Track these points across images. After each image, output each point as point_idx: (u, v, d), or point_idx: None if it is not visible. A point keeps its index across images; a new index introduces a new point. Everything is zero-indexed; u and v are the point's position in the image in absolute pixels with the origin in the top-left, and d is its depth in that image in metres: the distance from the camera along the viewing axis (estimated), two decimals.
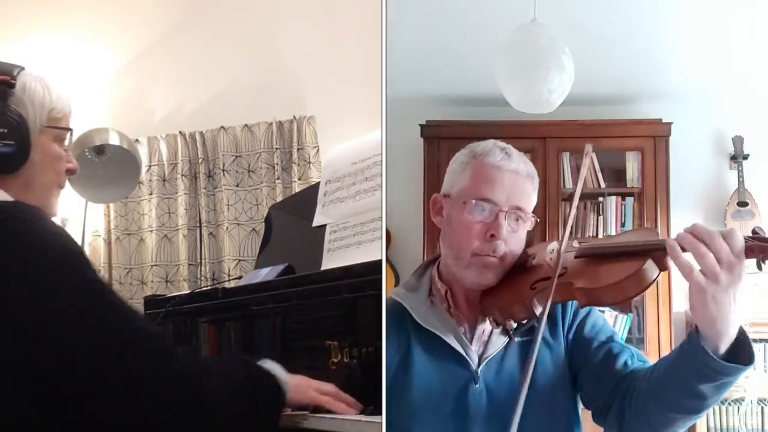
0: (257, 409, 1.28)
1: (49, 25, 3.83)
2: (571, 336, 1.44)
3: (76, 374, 1.12)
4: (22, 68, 1.32)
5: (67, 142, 1.37)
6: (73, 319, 1.12)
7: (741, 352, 1.18)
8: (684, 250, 1.18)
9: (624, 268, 1.26)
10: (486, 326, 1.42)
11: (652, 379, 1.28)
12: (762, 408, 4.04)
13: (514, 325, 1.39)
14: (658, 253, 1.24)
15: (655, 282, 1.28)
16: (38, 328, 1.11)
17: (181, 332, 1.99)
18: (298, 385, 1.38)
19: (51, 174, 1.34)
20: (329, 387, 1.43)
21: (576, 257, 1.38)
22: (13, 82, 1.28)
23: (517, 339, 1.41)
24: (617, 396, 1.34)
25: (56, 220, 1.30)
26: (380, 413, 1.30)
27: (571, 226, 1.47)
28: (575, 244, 1.43)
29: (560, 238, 1.39)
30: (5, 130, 1.25)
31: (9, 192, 1.27)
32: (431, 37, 3.66)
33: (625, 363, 1.37)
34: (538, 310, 1.34)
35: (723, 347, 1.17)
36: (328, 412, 1.39)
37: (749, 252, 1.18)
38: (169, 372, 1.17)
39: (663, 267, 1.25)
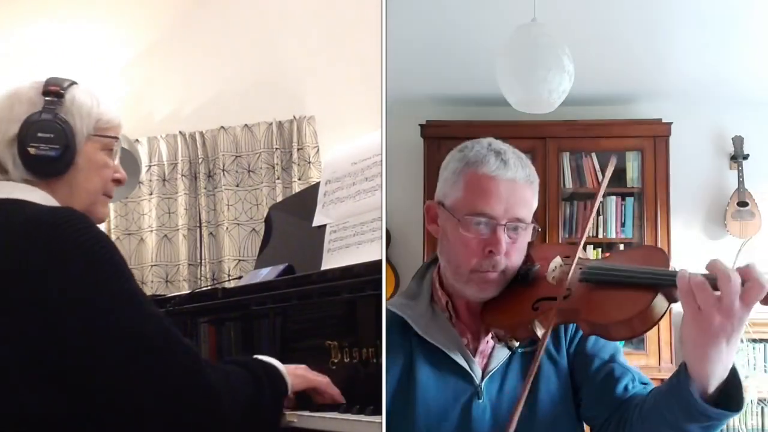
0: (265, 400, 1.32)
1: (49, 25, 3.83)
2: (572, 350, 1.39)
3: (111, 377, 1.15)
4: (74, 82, 1.39)
5: (116, 154, 1.43)
6: (113, 329, 1.15)
7: (732, 395, 1.12)
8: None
9: (632, 303, 1.19)
10: (489, 338, 1.37)
11: (643, 411, 1.23)
12: (762, 408, 4.04)
13: (517, 343, 1.35)
14: (669, 287, 1.16)
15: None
16: (77, 333, 1.14)
17: (181, 332, 1.99)
18: (296, 372, 1.42)
19: (96, 181, 1.38)
20: (324, 377, 1.47)
21: (581, 280, 1.29)
22: (63, 92, 1.35)
23: (519, 350, 1.36)
24: (613, 422, 1.30)
25: None
26: (380, 413, 1.30)
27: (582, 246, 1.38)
28: (580, 254, 1.33)
29: (572, 260, 1.29)
30: (51, 135, 1.31)
31: (55, 196, 1.32)
32: (431, 37, 3.66)
33: (626, 387, 1.32)
34: (539, 332, 1.28)
35: (711, 388, 1.12)
36: (321, 403, 1.43)
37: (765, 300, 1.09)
38: (198, 383, 1.19)
39: (673, 300, 1.17)
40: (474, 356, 1.36)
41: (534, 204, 1.37)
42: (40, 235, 1.16)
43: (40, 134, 1.31)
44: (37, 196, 1.29)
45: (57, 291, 1.14)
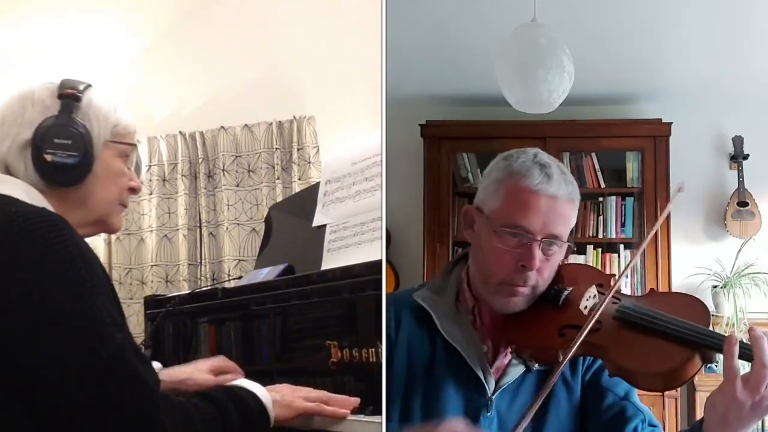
0: None
1: (49, 24, 3.83)
2: (588, 377, 1.36)
3: (58, 401, 1.07)
4: (89, 85, 1.31)
5: (131, 162, 1.36)
6: (62, 350, 1.07)
7: None
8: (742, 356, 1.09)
9: (668, 357, 1.14)
10: (508, 352, 1.34)
11: None
12: None
13: (536, 366, 1.32)
14: (710, 348, 1.12)
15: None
16: (29, 346, 1.06)
17: (181, 332, 1.99)
18: (282, 400, 1.33)
19: (112, 189, 1.31)
20: (317, 393, 1.38)
21: (614, 318, 1.25)
22: (79, 96, 1.28)
23: (535, 367, 1.33)
24: None
25: None
26: (380, 413, 1.30)
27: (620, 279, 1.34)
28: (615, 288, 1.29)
29: (607, 292, 1.25)
30: (69, 141, 1.24)
31: (65, 204, 1.25)
32: (431, 37, 3.66)
33: (635, 429, 1.29)
34: (563, 365, 1.23)
35: None
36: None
37: None
38: (147, 426, 1.10)
39: (709, 360, 1.14)
40: (491, 366, 1.34)
41: (572, 222, 1.33)
42: (5, 239, 1.09)
43: (57, 140, 1.23)
44: (22, 191, 1.21)
45: (15, 300, 1.06)
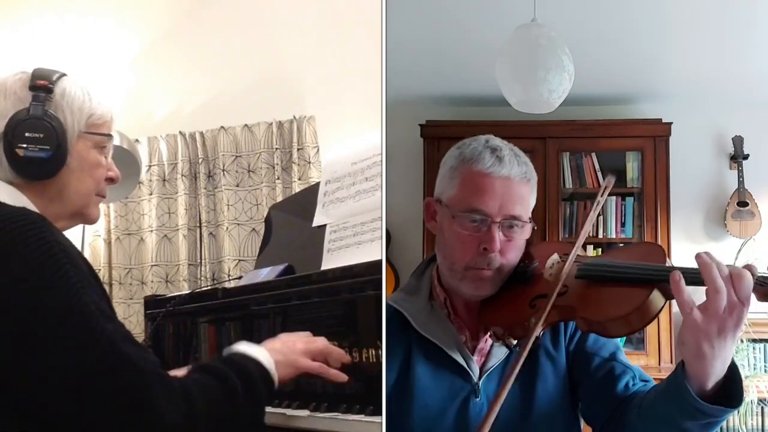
0: (241, 410, 1.20)
1: (49, 23, 3.83)
2: (572, 347, 1.38)
3: (50, 401, 1.05)
4: (63, 74, 1.30)
5: (109, 151, 1.34)
6: (52, 348, 1.04)
7: (730, 391, 1.11)
8: (693, 282, 1.10)
9: (629, 299, 1.18)
10: (487, 337, 1.37)
11: (642, 409, 1.22)
12: (762, 408, 4.04)
13: (515, 342, 1.34)
14: (665, 282, 1.14)
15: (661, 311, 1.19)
16: (14, 347, 1.04)
17: (181, 332, 1.99)
18: (285, 360, 1.31)
19: (89, 182, 1.30)
20: (316, 345, 1.39)
21: (577, 277, 1.28)
22: (51, 86, 1.26)
23: (518, 349, 1.34)
24: (614, 421, 1.30)
25: None
26: (380, 413, 1.30)
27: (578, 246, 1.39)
28: (579, 251, 1.33)
29: (569, 256, 1.28)
30: (41, 135, 1.22)
31: (42, 199, 1.24)
32: (431, 37, 3.66)
33: (626, 385, 1.31)
34: (537, 330, 1.25)
35: (710, 385, 1.10)
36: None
37: (758, 295, 1.11)
38: (145, 417, 1.07)
39: (670, 296, 1.16)
40: (473, 354, 1.36)
41: (531, 202, 1.37)
42: None
43: (28, 134, 1.21)
44: (2, 192, 1.19)
45: (2, 302, 1.03)
